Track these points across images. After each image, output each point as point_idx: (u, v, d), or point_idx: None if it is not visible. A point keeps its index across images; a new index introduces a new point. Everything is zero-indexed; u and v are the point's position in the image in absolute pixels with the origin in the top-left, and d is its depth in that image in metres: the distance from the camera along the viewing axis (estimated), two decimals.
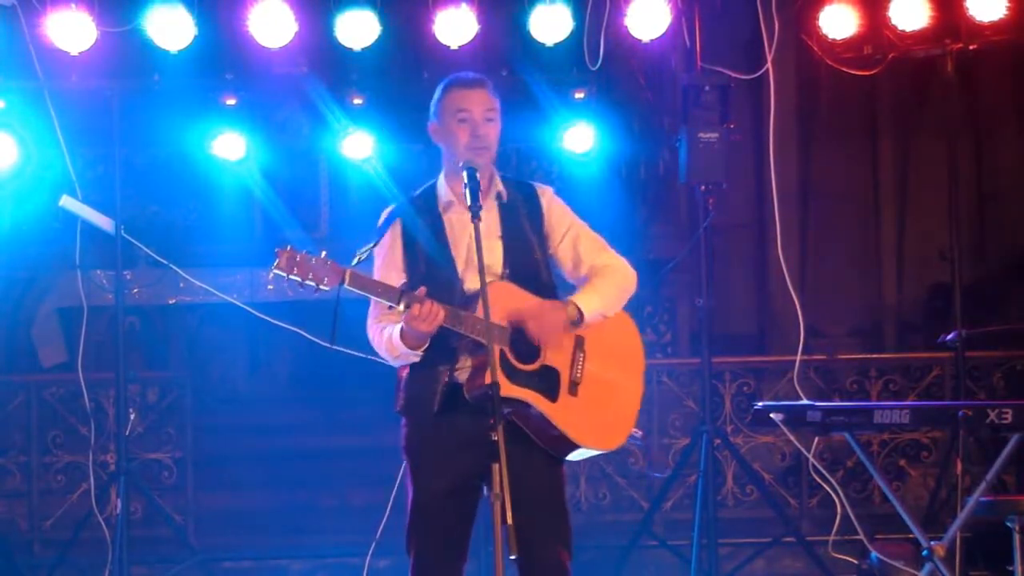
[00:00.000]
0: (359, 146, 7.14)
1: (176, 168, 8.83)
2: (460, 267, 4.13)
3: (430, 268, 4.11)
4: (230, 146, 7.00)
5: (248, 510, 7.82)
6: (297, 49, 6.48)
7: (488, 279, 4.02)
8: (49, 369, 8.95)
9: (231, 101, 6.86)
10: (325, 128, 7.28)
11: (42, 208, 6.90)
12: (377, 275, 4.16)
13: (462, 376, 4.07)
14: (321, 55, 6.71)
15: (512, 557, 3.62)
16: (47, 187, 6.66)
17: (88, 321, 6.20)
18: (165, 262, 6.50)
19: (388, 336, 4.10)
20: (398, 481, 5.71)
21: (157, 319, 9.39)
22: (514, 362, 4.05)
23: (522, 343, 4.07)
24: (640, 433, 4.31)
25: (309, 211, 9.64)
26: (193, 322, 9.49)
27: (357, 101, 7.02)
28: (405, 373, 4.20)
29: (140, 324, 9.21)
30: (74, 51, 6.19)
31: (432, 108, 4.24)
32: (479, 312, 3.96)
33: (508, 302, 4.06)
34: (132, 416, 6.88)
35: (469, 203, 3.94)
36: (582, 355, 4.13)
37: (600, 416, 4.15)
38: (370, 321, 4.20)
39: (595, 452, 4.26)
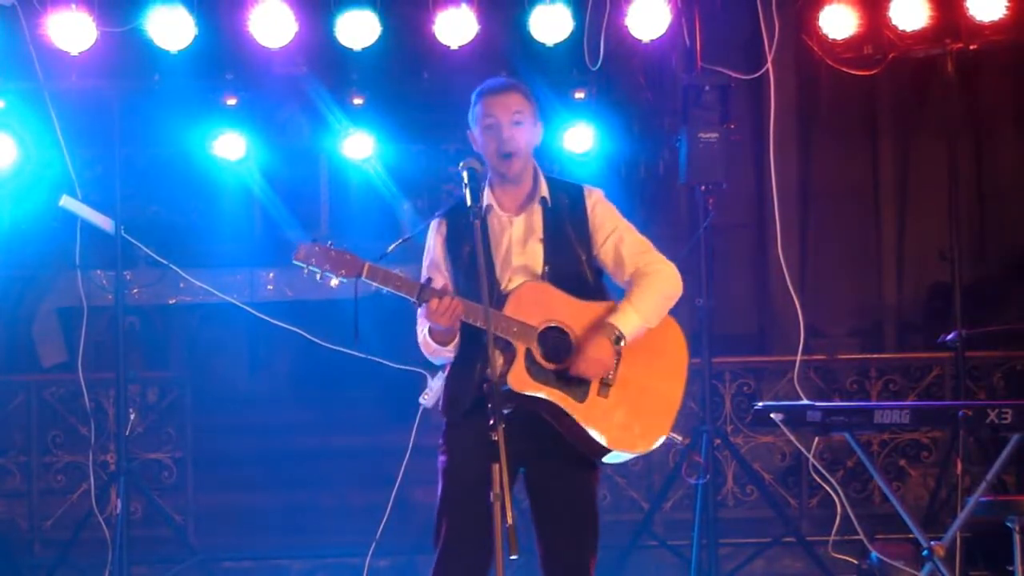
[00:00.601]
0: (359, 146, 7.15)
1: (176, 168, 8.83)
2: (498, 268, 4.15)
3: (470, 269, 4.11)
4: (230, 146, 7.01)
5: (248, 510, 7.81)
6: (297, 49, 6.49)
7: (525, 279, 4.10)
8: (49, 369, 8.95)
9: (231, 101, 6.87)
10: (325, 128, 7.29)
11: (42, 208, 6.91)
12: (424, 273, 4.22)
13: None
14: (321, 55, 6.72)
15: (512, 557, 3.62)
16: (47, 187, 6.67)
17: (88, 321, 6.20)
18: (165, 262, 6.50)
19: (423, 334, 4.14)
20: (398, 481, 5.75)
21: (157, 319, 9.39)
22: (541, 361, 4.06)
23: (551, 342, 4.07)
24: (680, 438, 4.26)
25: (309, 211, 9.65)
26: (193, 322, 9.49)
27: (357, 101, 7.02)
28: (447, 373, 4.23)
29: (140, 324, 9.21)
30: (74, 51, 6.20)
31: (469, 117, 4.27)
32: (507, 310, 4.01)
33: (541, 302, 4.07)
34: (132, 416, 6.88)
35: (469, 203, 3.95)
36: (616, 357, 4.12)
37: (630, 419, 4.12)
38: (418, 323, 4.22)
39: (628, 455, 4.22)
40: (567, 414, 4.05)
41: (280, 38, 6.30)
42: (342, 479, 8.00)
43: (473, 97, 4.24)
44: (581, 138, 6.99)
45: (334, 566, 6.92)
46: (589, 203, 4.25)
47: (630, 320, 4.11)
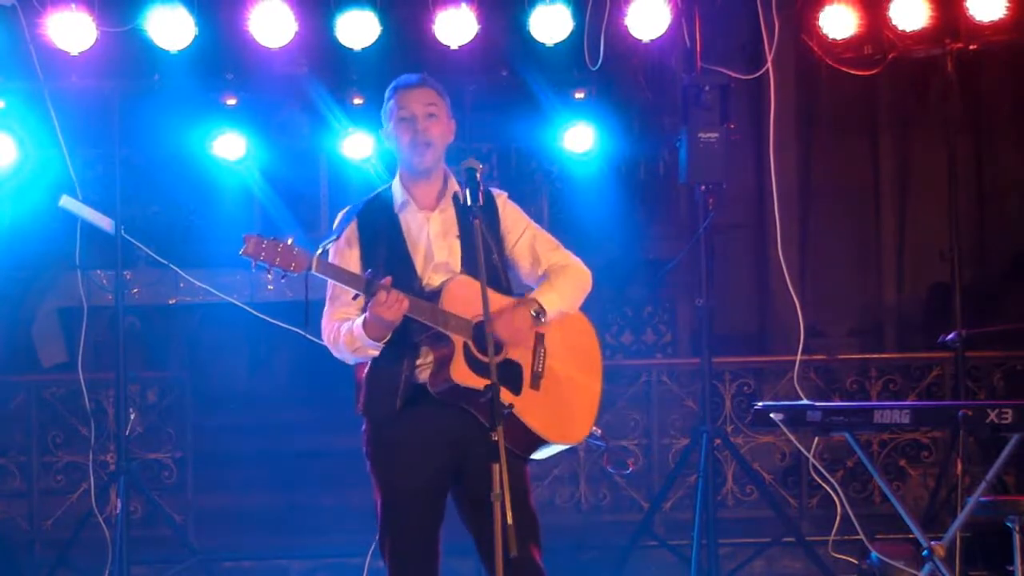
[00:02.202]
0: (359, 146, 7.14)
1: (176, 168, 8.83)
2: (419, 266, 4.18)
3: (388, 268, 4.12)
4: (230, 146, 7.01)
5: (248, 510, 7.81)
6: (297, 49, 6.48)
7: (446, 275, 4.13)
8: (49, 369, 8.95)
9: (231, 101, 6.87)
10: (325, 128, 7.28)
11: (42, 208, 6.91)
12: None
13: (424, 371, 4.10)
14: (321, 55, 6.71)
15: (512, 555, 3.63)
16: (47, 187, 6.66)
17: (88, 321, 6.20)
18: (165, 262, 6.50)
19: (348, 329, 4.12)
20: None
21: (157, 319, 9.39)
22: (477, 354, 4.07)
23: (484, 336, 4.08)
24: (600, 432, 4.32)
25: (309, 211, 9.65)
26: (193, 322, 9.48)
27: (357, 101, 7.02)
28: (364, 373, 4.21)
29: (140, 324, 9.20)
30: (74, 51, 6.19)
31: (382, 114, 4.31)
32: (442, 305, 4.03)
33: (472, 296, 4.06)
34: (132, 416, 6.87)
35: (469, 203, 3.95)
36: (543, 350, 4.18)
37: (561, 410, 4.19)
38: (325, 319, 4.23)
39: (558, 448, 4.26)
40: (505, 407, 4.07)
41: (280, 38, 6.30)
42: (342, 479, 7.98)
43: (387, 93, 4.30)
44: (581, 138, 6.99)
45: (334, 566, 6.92)
46: (499, 203, 4.31)
47: (551, 298, 4.19)
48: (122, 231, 6.22)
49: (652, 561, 6.85)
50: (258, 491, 8.02)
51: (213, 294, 6.82)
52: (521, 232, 4.31)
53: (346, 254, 4.22)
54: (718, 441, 6.48)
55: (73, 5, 6.14)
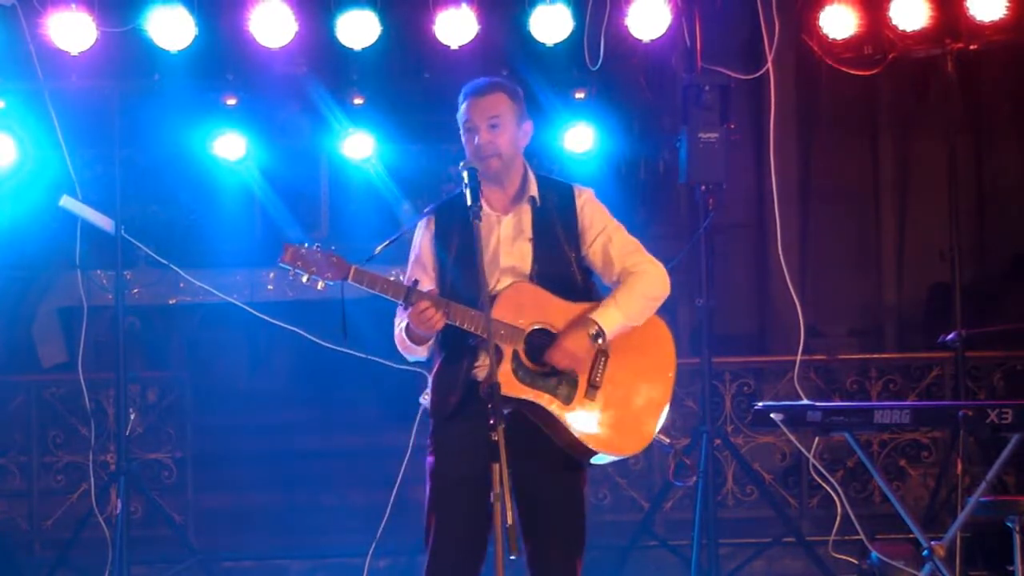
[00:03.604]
0: (359, 146, 7.16)
1: (176, 168, 8.83)
2: (486, 268, 4.11)
3: (457, 268, 4.13)
4: (230, 146, 7.02)
5: (248, 510, 7.81)
6: (297, 49, 6.49)
7: (513, 280, 4.09)
8: (49, 369, 8.95)
9: (231, 101, 6.88)
10: (325, 128, 7.30)
11: (42, 208, 6.91)
12: (409, 271, 4.23)
13: (480, 374, 4.10)
14: (321, 55, 6.72)
15: (512, 557, 3.62)
16: (47, 187, 6.67)
17: (88, 321, 6.20)
18: (165, 262, 6.50)
19: (399, 331, 4.16)
20: (398, 481, 5.75)
21: (157, 319, 9.39)
22: (527, 363, 4.06)
23: (539, 344, 4.08)
24: (667, 440, 4.26)
25: (309, 211, 9.65)
26: (193, 322, 9.49)
27: (357, 101, 7.04)
28: (434, 372, 4.23)
29: (140, 324, 9.20)
30: (74, 51, 6.20)
31: (456, 116, 4.29)
32: (495, 312, 3.99)
33: (529, 303, 4.08)
34: (132, 416, 6.88)
35: (469, 203, 3.95)
36: (604, 358, 4.12)
37: (617, 421, 4.12)
38: (396, 320, 4.24)
39: (614, 457, 4.22)
40: (553, 416, 4.06)
41: (280, 38, 6.30)
42: (342, 479, 8.00)
43: (459, 97, 4.26)
44: (581, 138, 7.00)
45: (334, 566, 6.92)
46: (579, 202, 4.26)
47: (611, 317, 4.11)
48: (122, 231, 6.22)
49: (652, 561, 6.85)
50: (258, 491, 8.01)
51: (213, 294, 6.82)
52: (598, 232, 4.23)
53: (421, 254, 4.23)
54: (718, 441, 6.48)
55: (73, 5, 6.15)
